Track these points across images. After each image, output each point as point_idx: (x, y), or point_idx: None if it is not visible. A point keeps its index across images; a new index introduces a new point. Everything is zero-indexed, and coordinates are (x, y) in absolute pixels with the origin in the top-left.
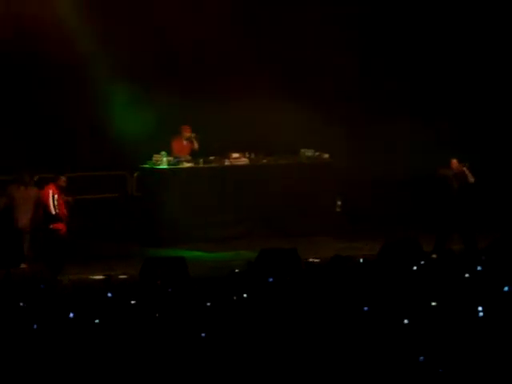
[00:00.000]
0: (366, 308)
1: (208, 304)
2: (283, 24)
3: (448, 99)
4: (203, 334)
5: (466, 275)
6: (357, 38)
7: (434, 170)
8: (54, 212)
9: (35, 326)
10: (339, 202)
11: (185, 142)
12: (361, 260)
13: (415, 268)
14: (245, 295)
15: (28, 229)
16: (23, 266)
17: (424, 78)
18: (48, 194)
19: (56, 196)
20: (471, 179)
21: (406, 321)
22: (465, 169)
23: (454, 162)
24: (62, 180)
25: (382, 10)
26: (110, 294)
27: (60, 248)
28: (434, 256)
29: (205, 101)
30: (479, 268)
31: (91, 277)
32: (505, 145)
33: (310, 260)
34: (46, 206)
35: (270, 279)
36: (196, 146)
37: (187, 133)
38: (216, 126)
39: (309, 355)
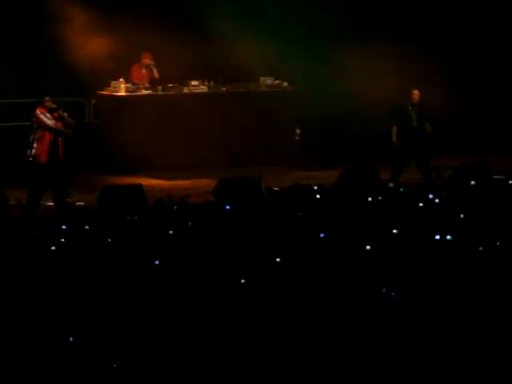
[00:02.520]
0: (322, 234)
1: (164, 232)
2: None
3: (417, 24)
4: (156, 262)
5: (420, 204)
6: None
7: (396, 99)
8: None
9: None
10: (298, 131)
11: (144, 70)
12: (315, 187)
13: (371, 198)
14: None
15: None
16: None
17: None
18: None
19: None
20: (430, 113)
21: (368, 247)
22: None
23: (416, 92)
24: (46, 100)
25: None
26: (64, 227)
27: None
28: (391, 185)
29: (166, 27)
30: (431, 196)
31: (47, 203)
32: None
33: (270, 188)
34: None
35: (227, 207)
36: (156, 74)
37: (147, 60)
38: (176, 53)
39: (267, 285)
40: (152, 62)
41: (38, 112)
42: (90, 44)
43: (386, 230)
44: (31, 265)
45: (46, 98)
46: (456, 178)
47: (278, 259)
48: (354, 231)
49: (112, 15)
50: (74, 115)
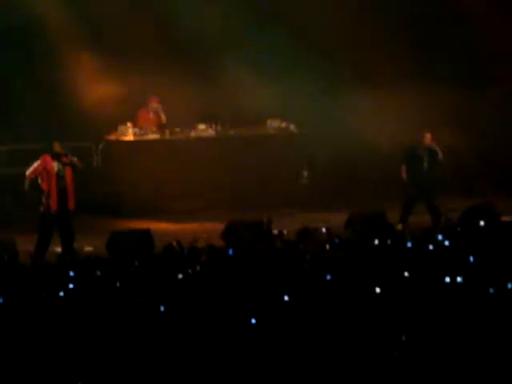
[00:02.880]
0: (329, 277)
1: (173, 277)
2: None
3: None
4: (162, 308)
5: (430, 247)
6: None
7: (406, 142)
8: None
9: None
10: (305, 173)
11: (151, 114)
12: (323, 230)
13: (379, 241)
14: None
15: None
16: None
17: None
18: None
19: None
20: (441, 156)
21: (377, 290)
22: (435, 145)
23: (428, 135)
24: (55, 145)
25: None
26: (72, 273)
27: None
28: (400, 227)
29: (173, 72)
30: (440, 238)
31: (56, 249)
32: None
33: (278, 232)
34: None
35: (230, 252)
36: (163, 118)
37: (154, 104)
38: (183, 98)
39: (277, 327)
40: (159, 106)
41: (35, 163)
42: (97, 89)
43: (394, 273)
44: (39, 311)
45: (56, 143)
46: (464, 220)
47: (286, 298)
48: (362, 274)
49: (119, 60)
50: (83, 160)
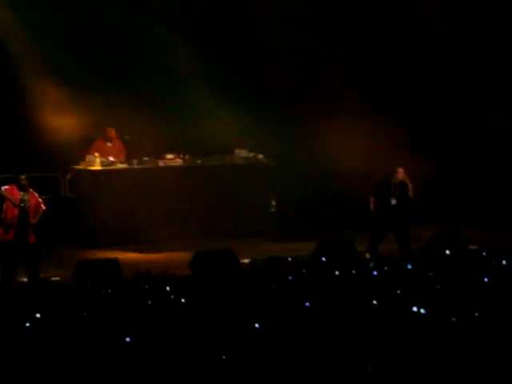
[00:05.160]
0: (307, 304)
1: (142, 305)
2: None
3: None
4: (128, 339)
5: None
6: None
7: (377, 174)
8: None
9: None
10: (274, 203)
11: (109, 144)
12: (289, 259)
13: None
14: (182, 300)
15: None
16: None
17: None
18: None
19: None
20: (411, 193)
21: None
22: (408, 181)
23: (401, 170)
24: (22, 179)
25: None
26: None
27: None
28: (367, 256)
29: (141, 102)
30: (409, 266)
31: (21, 279)
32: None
33: (245, 261)
34: None
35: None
36: (122, 149)
37: (111, 134)
38: (151, 128)
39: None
40: (126, 137)
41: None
42: (63, 120)
43: (361, 302)
44: (5, 341)
45: (22, 177)
46: (431, 248)
47: (256, 325)
48: (328, 303)
49: (86, 92)
50: (50, 190)
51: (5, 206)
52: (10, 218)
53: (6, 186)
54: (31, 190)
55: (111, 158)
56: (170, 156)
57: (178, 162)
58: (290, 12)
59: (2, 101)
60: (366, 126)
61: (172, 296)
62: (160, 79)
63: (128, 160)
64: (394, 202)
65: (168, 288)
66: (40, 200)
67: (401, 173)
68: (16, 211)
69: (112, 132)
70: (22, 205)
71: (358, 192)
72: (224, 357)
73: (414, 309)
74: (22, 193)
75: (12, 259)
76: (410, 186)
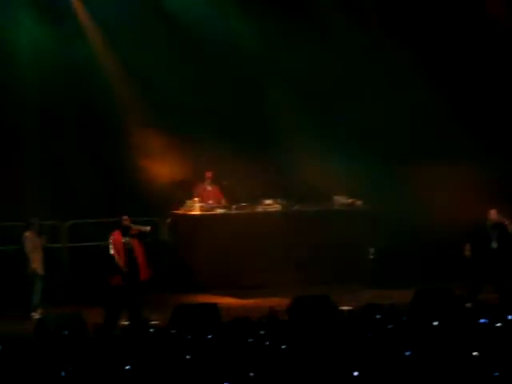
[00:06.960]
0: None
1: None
2: None
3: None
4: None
5: (498, 324)
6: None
7: (472, 219)
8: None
9: (63, 374)
10: (372, 249)
11: (209, 188)
12: (387, 307)
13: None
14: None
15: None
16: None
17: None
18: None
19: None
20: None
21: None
22: (505, 220)
23: (493, 212)
24: (124, 219)
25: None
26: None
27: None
28: (469, 305)
29: (240, 149)
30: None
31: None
32: None
33: (343, 308)
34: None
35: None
36: (220, 192)
37: (209, 177)
38: (249, 174)
39: None
40: (224, 182)
41: (111, 237)
42: (163, 165)
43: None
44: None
45: (125, 217)
46: None
47: (355, 373)
48: (428, 352)
49: (187, 138)
50: (150, 234)
51: (113, 252)
52: (118, 262)
53: (110, 238)
54: (132, 229)
55: (210, 202)
56: (268, 201)
57: (276, 207)
58: None
59: (103, 147)
60: (467, 174)
61: (268, 342)
62: (260, 128)
63: (227, 205)
64: (494, 245)
65: (263, 332)
66: (138, 227)
67: (493, 214)
68: (122, 254)
69: (210, 175)
70: (127, 247)
71: (457, 239)
72: None
73: None
74: (124, 236)
75: (120, 303)
76: (510, 224)
